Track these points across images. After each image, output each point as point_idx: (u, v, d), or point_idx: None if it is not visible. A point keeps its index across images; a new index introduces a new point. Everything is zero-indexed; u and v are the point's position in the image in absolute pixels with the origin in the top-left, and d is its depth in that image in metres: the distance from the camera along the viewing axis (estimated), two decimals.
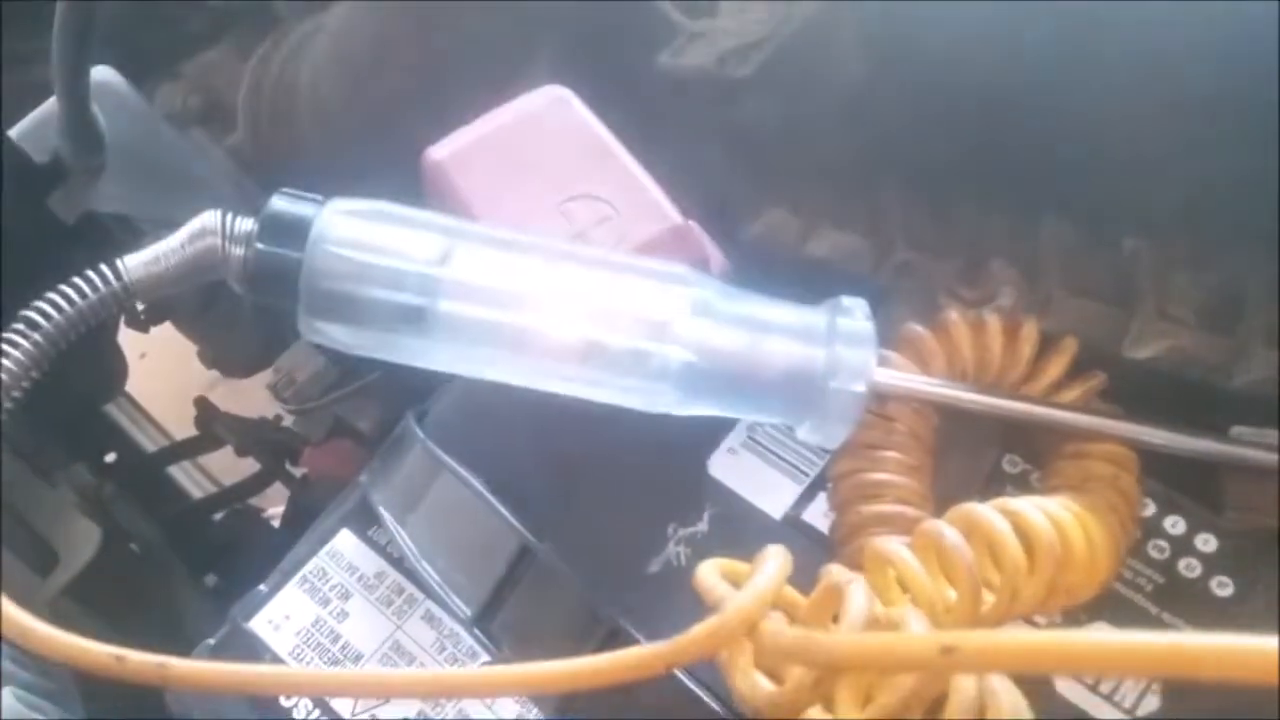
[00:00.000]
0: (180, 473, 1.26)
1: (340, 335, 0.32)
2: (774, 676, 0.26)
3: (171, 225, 0.67)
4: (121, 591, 0.73)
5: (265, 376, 0.98)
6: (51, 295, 0.31)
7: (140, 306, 0.99)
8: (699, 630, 0.22)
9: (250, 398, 1.11)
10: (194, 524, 1.05)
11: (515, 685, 0.23)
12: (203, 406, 1.01)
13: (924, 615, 0.26)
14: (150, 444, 1.24)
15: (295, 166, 0.63)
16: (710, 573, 0.26)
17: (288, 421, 1.04)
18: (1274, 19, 0.33)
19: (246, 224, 0.32)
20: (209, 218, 0.32)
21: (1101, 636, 0.16)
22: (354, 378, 0.79)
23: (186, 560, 0.89)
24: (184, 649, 0.39)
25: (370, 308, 0.31)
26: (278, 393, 0.78)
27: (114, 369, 1.05)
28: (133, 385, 1.15)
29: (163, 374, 1.39)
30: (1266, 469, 0.35)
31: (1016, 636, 0.17)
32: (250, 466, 1.10)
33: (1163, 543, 0.35)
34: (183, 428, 1.25)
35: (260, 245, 0.31)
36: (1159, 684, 0.33)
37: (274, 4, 0.68)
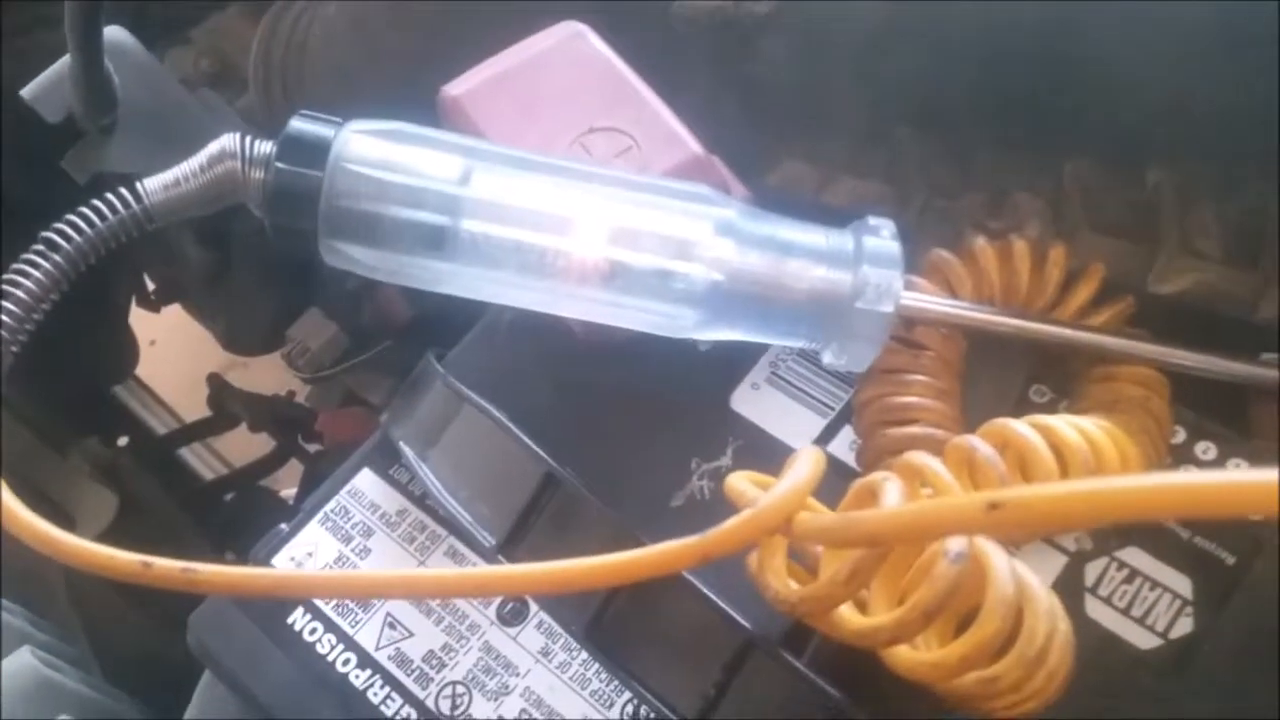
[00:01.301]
0: (192, 456, 1.26)
1: (362, 257, 0.31)
2: (803, 582, 0.25)
3: None
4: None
5: (274, 363, 0.98)
6: (71, 216, 0.31)
7: (151, 286, 0.99)
8: (735, 520, 0.22)
9: (259, 383, 1.12)
10: (208, 503, 1.05)
11: (548, 583, 0.23)
12: (216, 384, 1.01)
13: None
14: (161, 427, 1.24)
15: None
16: (740, 480, 0.26)
17: (300, 398, 1.04)
18: None
19: (265, 146, 0.32)
20: (228, 140, 0.32)
21: (1140, 479, 0.16)
22: (367, 347, 0.79)
23: (202, 534, 0.89)
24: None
25: (391, 227, 0.31)
26: (291, 361, 0.78)
27: (125, 350, 1.05)
28: (143, 371, 1.16)
29: (172, 360, 1.40)
30: None
31: (1064, 487, 0.17)
32: (262, 449, 1.10)
33: (1193, 468, 0.35)
34: (192, 413, 1.26)
35: (280, 165, 0.31)
36: (1192, 606, 0.32)
37: None
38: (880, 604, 0.24)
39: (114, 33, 0.59)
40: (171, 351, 1.37)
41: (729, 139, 0.46)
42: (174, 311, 0.98)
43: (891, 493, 0.23)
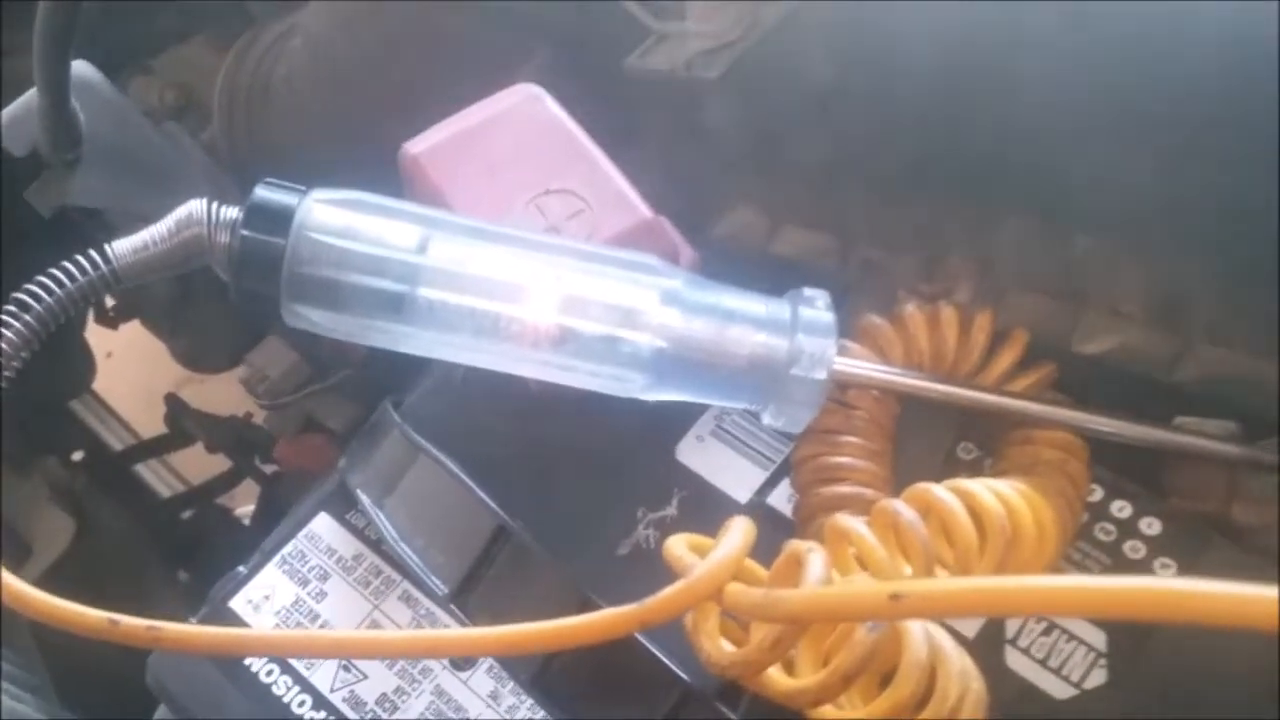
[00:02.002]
0: (148, 472, 1.26)
1: (322, 320, 0.33)
2: (736, 643, 0.27)
3: (145, 219, 0.67)
4: (94, 583, 0.73)
5: (232, 378, 0.99)
6: (42, 279, 0.32)
7: (110, 303, 0.99)
8: (670, 591, 0.23)
9: (217, 398, 1.12)
10: (163, 521, 1.05)
11: (497, 646, 0.24)
12: (173, 403, 1.01)
13: None
14: (117, 442, 1.24)
15: (270, 161, 0.63)
16: (678, 544, 0.28)
17: (258, 419, 1.05)
18: (1218, 33, 0.35)
19: (231, 212, 0.33)
20: (195, 206, 0.33)
21: (1029, 579, 0.18)
22: (327, 374, 0.80)
23: (158, 557, 0.89)
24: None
25: (351, 293, 0.32)
26: (251, 388, 0.79)
27: (81, 365, 1.05)
28: (99, 385, 1.15)
29: (128, 374, 1.39)
30: (1207, 457, 0.37)
31: (958, 582, 0.19)
32: (218, 467, 1.10)
33: (1110, 525, 0.37)
34: (149, 427, 1.25)
35: (245, 232, 0.32)
36: (1105, 658, 0.34)
37: (247, 2, 0.69)
38: (806, 666, 0.26)
39: (79, 67, 0.60)
40: (128, 365, 1.36)
41: (681, 188, 0.48)
42: (130, 325, 0.98)
43: (815, 566, 0.25)
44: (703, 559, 0.27)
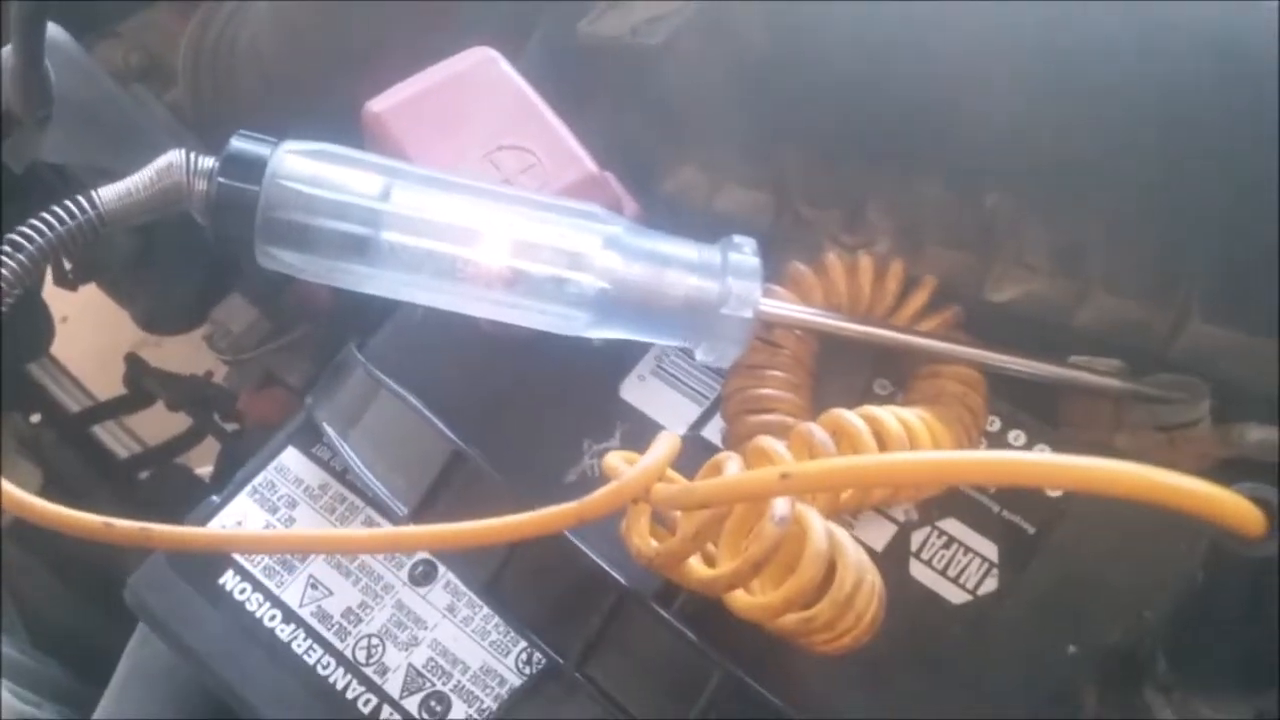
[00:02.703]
0: (105, 433, 1.27)
1: (293, 261, 0.36)
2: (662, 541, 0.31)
3: (112, 176, 0.70)
4: (61, 534, 0.76)
5: (187, 342, 1.00)
6: (33, 221, 0.35)
7: (68, 266, 1.00)
8: (605, 489, 0.27)
9: (171, 363, 1.13)
10: (124, 480, 1.06)
11: (453, 539, 0.28)
12: (133, 362, 1.03)
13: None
14: (74, 405, 1.25)
15: (234, 121, 0.66)
16: (614, 457, 0.31)
17: (218, 378, 1.07)
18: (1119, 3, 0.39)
19: (208, 162, 0.36)
20: (175, 156, 0.36)
21: (897, 456, 0.22)
22: (287, 330, 0.83)
23: (121, 512, 0.91)
24: (122, 598, 0.42)
25: (319, 236, 0.36)
26: (213, 343, 0.81)
27: (40, 327, 1.06)
28: (55, 348, 1.16)
29: (85, 338, 1.40)
30: (1096, 391, 0.41)
31: (834, 461, 0.22)
32: (177, 426, 1.12)
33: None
34: (105, 389, 1.26)
35: (221, 180, 0.35)
36: (997, 568, 0.39)
37: None
38: (724, 560, 0.30)
39: (49, 30, 0.62)
40: (84, 328, 1.37)
41: (631, 148, 0.51)
42: (86, 290, 0.99)
43: (731, 467, 0.28)
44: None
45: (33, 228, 0.35)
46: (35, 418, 1.08)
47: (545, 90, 0.45)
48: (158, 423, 1.18)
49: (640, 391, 0.44)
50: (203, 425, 1.06)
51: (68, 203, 0.35)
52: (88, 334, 1.39)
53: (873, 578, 0.30)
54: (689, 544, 0.28)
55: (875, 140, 0.46)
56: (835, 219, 0.46)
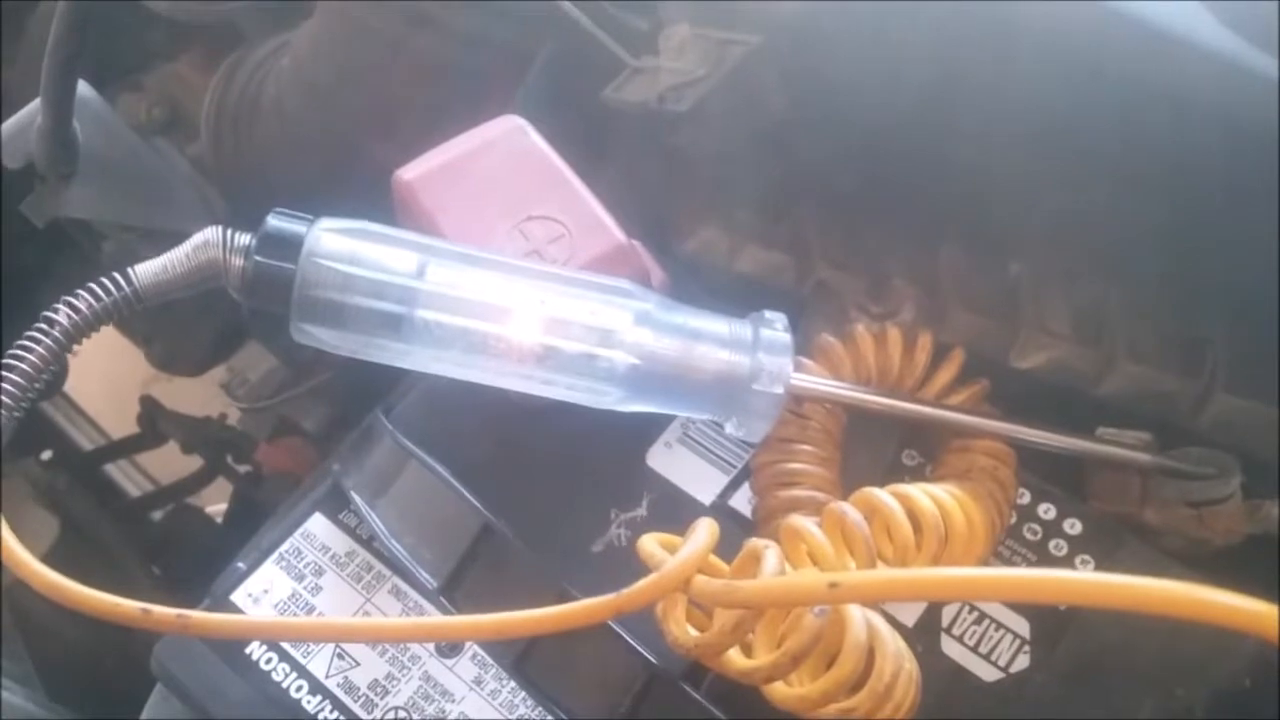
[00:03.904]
0: (117, 471, 1.27)
1: (327, 338, 0.36)
2: (701, 630, 0.31)
3: (134, 230, 0.70)
4: (80, 579, 0.75)
5: (199, 381, 1.01)
6: (69, 298, 0.35)
7: None
8: (644, 582, 0.27)
9: (183, 397, 1.14)
10: (136, 520, 1.07)
11: (486, 631, 0.28)
12: (148, 405, 1.03)
13: None
14: (86, 442, 1.25)
15: (257, 178, 0.66)
16: (650, 542, 0.31)
17: (232, 420, 1.07)
18: (1135, 79, 0.39)
19: (245, 238, 0.36)
20: (211, 233, 0.36)
21: (938, 570, 0.22)
22: (305, 378, 0.83)
23: (134, 554, 0.91)
24: (143, 637, 0.42)
25: (354, 314, 0.36)
26: (231, 391, 0.82)
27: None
28: (67, 384, 1.17)
29: (96, 373, 1.40)
30: (1124, 464, 0.41)
31: (884, 573, 0.22)
32: (187, 466, 1.12)
33: (1035, 526, 0.41)
34: (116, 426, 1.26)
35: (258, 258, 0.35)
36: (1029, 645, 0.38)
37: (237, 21, 0.71)
38: (761, 648, 0.30)
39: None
40: (95, 365, 1.37)
41: (651, 209, 0.52)
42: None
43: (771, 561, 0.28)
44: (672, 555, 0.30)
45: (68, 305, 0.35)
46: (46, 454, 1.08)
47: (568, 154, 0.45)
48: (167, 459, 1.18)
49: (667, 459, 0.44)
50: (215, 466, 1.06)
51: (104, 280, 0.35)
52: (100, 370, 1.39)
53: (910, 665, 0.30)
54: (728, 637, 0.28)
55: (897, 205, 0.47)
56: (859, 284, 0.46)
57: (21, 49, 0.74)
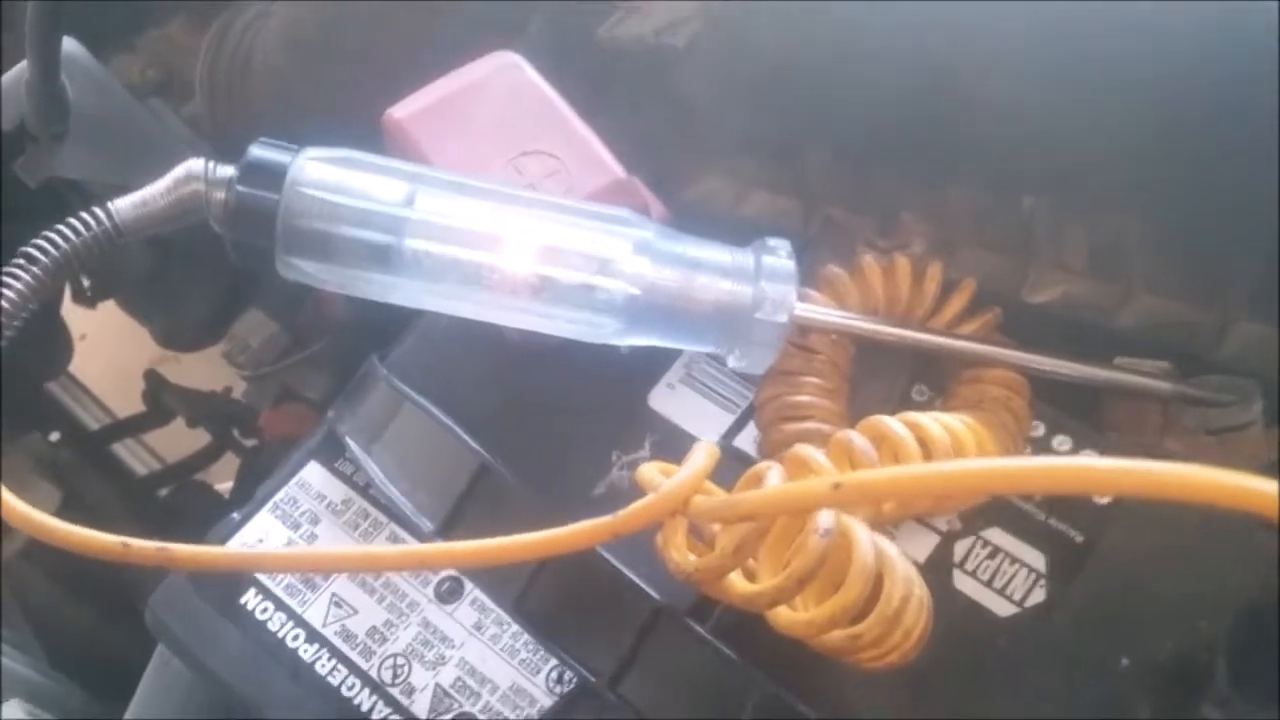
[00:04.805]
0: (124, 450, 1.26)
1: (314, 270, 0.35)
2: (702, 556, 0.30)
3: (130, 191, 0.69)
4: (78, 555, 0.75)
5: (205, 360, 1.00)
6: (48, 233, 0.34)
7: (86, 283, 1.00)
8: (642, 502, 0.26)
9: (190, 380, 1.13)
10: (143, 497, 1.06)
11: (484, 556, 0.27)
12: (152, 379, 1.03)
13: None
14: (93, 423, 1.24)
15: (253, 135, 0.65)
16: (649, 469, 0.30)
17: (237, 394, 1.06)
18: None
19: (227, 170, 0.35)
20: (193, 164, 0.35)
21: (948, 464, 0.20)
22: (305, 344, 0.82)
23: (140, 530, 0.91)
24: (139, 615, 0.42)
25: (341, 245, 0.35)
26: (232, 358, 0.81)
27: (59, 345, 1.06)
28: (73, 365, 1.16)
29: (104, 355, 1.40)
30: (1143, 394, 0.39)
31: (890, 470, 0.21)
32: (195, 442, 1.11)
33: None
34: (123, 407, 1.26)
35: (240, 188, 0.34)
36: (1045, 579, 0.37)
37: None
38: (766, 574, 0.29)
39: (66, 44, 0.61)
40: (103, 345, 1.37)
41: (653, 155, 0.50)
42: (104, 307, 0.99)
43: (773, 477, 0.27)
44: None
45: (48, 240, 0.34)
46: (54, 436, 1.08)
47: (567, 98, 0.44)
48: (176, 439, 1.18)
49: (670, 400, 0.43)
50: (222, 441, 1.05)
51: (83, 214, 0.34)
52: (106, 351, 1.39)
53: (920, 591, 0.29)
54: (730, 559, 0.27)
55: (906, 142, 0.45)
56: (867, 222, 0.45)
57: (19, 13, 0.73)
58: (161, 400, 1.03)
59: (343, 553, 0.30)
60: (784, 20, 0.47)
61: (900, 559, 0.28)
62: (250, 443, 1.03)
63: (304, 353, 0.79)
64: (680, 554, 0.28)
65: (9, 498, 0.28)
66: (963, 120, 0.43)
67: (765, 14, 0.47)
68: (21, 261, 0.33)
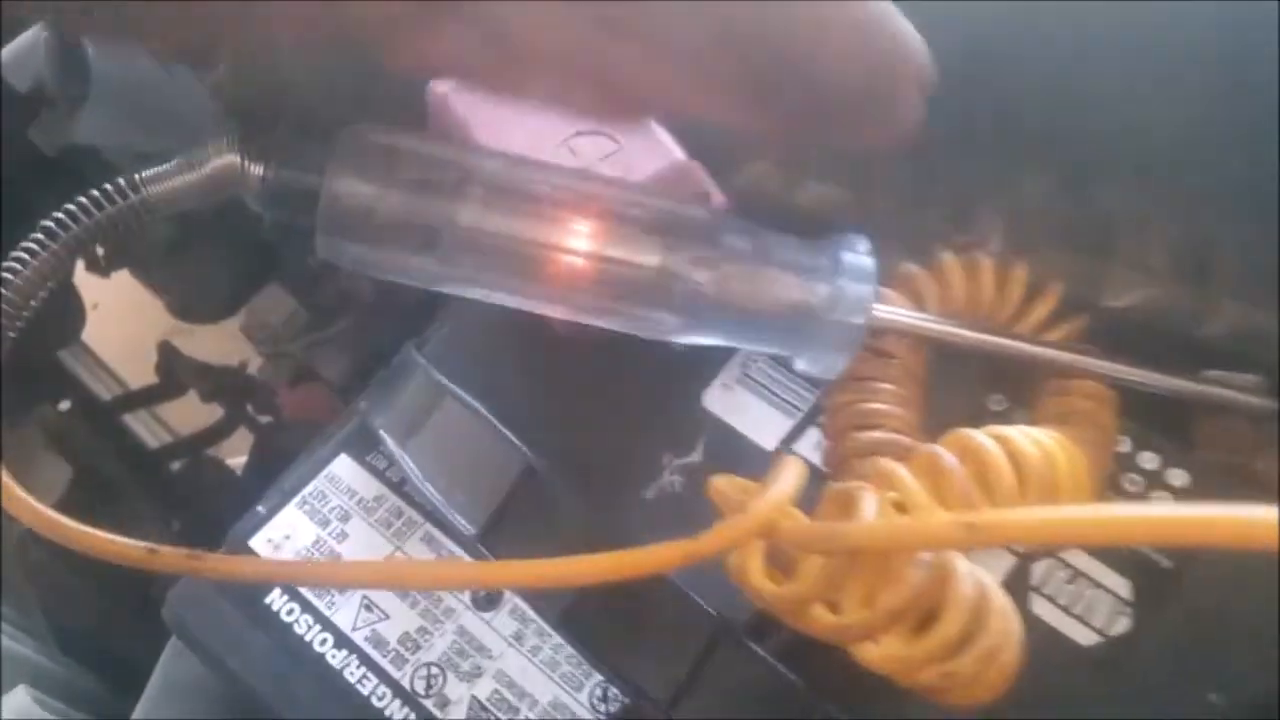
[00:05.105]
0: (136, 422, 1.25)
1: (357, 254, 0.32)
2: (775, 579, 0.27)
3: (151, 160, 0.66)
4: (91, 526, 0.73)
5: (218, 331, 0.98)
6: (70, 206, 0.31)
7: (101, 251, 0.98)
8: (723, 525, 0.23)
9: (203, 351, 1.11)
10: (155, 471, 1.04)
11: (540, 578, 0.24)
12: (166, 351, 1.01)
13: None
14: (105, 393, 1.23)
15: (278, 103, 0.62)
16: (725, 482, 0.28)
17: (252, 368, 1.04)
18: None
19: (266, 144, 0.32)
20: (229, 137, 0.32)
21: (1109, 508, 0.18)
22: (326, 322, 0.80)
23: (151, 506, 0.89)
24: (158, 589, 0.39)
25: (387, 229, 0.32)
26: (251, 335, 0.78)
27: (71, 314, 1.04)
28: (86, 335, 1.14)
29: (115, 324, 1.38)
30: (1235, 410, 0.37)
31: (1034, 512, 0.19)
32: (205, 418, 1.09)
33: (1137, 476, 0.37)
34: (136, 377, 1.24)
35: (281, 165, 0.32)
36: (1130, 607, 0.35)
37: None
38: (849, 602, 0.26)
39: None
40: (115, 315, 1.35)
41: (699, 138, 0.48)
42: (117, 277, 0.97)
43: (869, 504, 0.25)
44: (750, 497, 0.26)
45: (69, 214, 0.31)
46: (65, 404, 1.06)
47: None
48: (186, 411, 1.16)
49: (725, 401, 0.40)
50: (236, 417, 1.03)
51: (108, 186, 0.32)
52: (119, 321, 1.37)
53: (1017, 626, 0.26)
54: (819, 589, 0.24)
55: (976, 130, 0.43)
56: (938, 216, 0.42)
57: None
58: (175, 373, 1.01)
59: (391, 566, 0.27)
60: None
61: (999, 592, 0.26)
62: (264, 419, 1.01)
63: (324, 332, 0.76)
64: (760, 580, 0.25)
65: (33, 503, 0.26)
66: (1039, 104, 0.41)
67: None
68: (41, 237, 0.31)
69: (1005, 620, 0.26)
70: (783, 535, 0.24)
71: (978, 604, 0.25)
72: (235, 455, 1.13)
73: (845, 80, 0.28)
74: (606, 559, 0.24)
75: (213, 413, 1.07)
